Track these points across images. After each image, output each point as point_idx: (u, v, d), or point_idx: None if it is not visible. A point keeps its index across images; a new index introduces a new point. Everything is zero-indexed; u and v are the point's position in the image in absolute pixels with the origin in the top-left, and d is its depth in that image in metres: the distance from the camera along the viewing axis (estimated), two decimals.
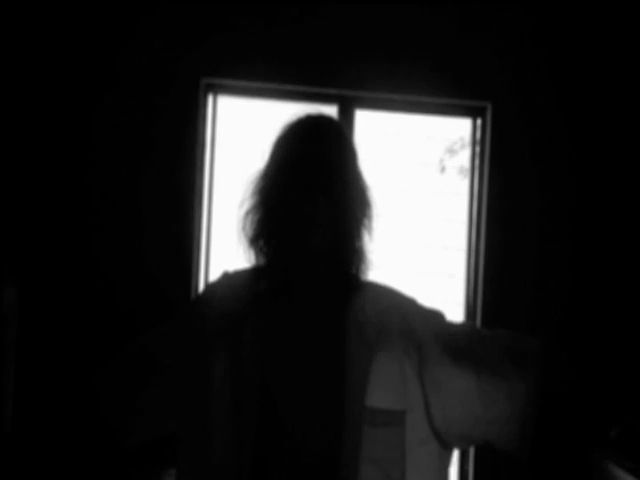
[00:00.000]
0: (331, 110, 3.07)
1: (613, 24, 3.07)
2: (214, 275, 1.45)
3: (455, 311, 3.09)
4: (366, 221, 1.35)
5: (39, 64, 2.88)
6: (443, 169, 3.36)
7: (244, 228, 1.37)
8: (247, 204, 1.37)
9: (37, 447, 2.78)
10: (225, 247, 3.10)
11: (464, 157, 3.25)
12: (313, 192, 1.28)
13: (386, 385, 1.30)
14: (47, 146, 2.88)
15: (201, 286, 2.99)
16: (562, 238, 3.04)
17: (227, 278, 1.43)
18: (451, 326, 1.38)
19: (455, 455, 2.16)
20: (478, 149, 3.14)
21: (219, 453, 1.29)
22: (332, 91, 3.03)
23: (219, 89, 3.07)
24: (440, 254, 3.27)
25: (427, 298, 1.44)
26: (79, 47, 2.89)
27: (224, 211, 3.10)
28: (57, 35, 2.88)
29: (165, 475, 2.65)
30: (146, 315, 2.60)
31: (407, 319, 1.34)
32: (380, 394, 1.29)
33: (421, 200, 3.28)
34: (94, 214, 2.89)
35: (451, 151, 3.35)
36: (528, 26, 3.05)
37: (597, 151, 3.07)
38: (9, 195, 2.77)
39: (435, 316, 1.38)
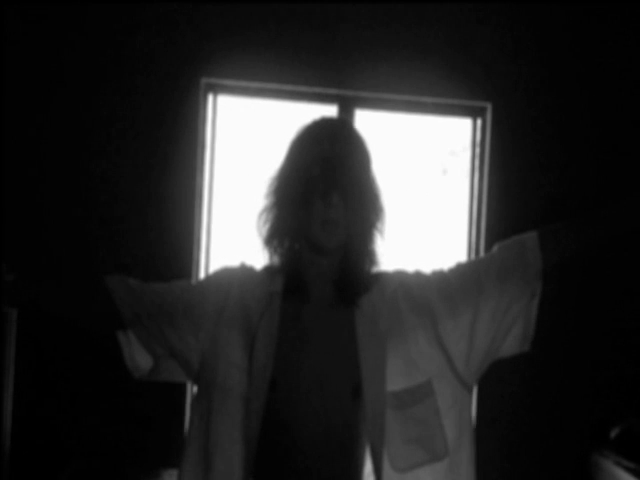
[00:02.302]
0: (331, 110, 3.07)
1: (612, 25, 3.07)
2: None
3: None
4: (379, 224, 1.38)
5: (40, 63, 2.88)
6: (445, 171, 3.36)
7: (259, 228, 1.39)
8: (262, 204, 1.39)
9: (37, 447, 2.79)
10: (225, 246, 3.10)
11: (465, 158, 3.25)
12: (328, 190, 1.30)
13: (405, 366, 1.33)
14: (48, 144, 2.88)
15: None
16: None
17: (245, 270, 1.44)
18: (450, 272, 1.41)
19: None
20: (478, 149, 3.14)
21: (226, 444, 1.31)
22: (332, 91, 3.03)
23: (219, 89, 3.07)
24: (440, 254, 3.27)
25: None
26: (79, 47, 2.90)
27: (224, 211, 3.11)
28: (57, 34, 2.89)
29: (165, 475, 2.65)
30: None
31: (412, 292, 1.38)
32: (401, 376, 1.32)
33: (421, 200, 3.28)
34: (94, 213, 2.89)
35: (453, 153, 3.35)
36: (528, 26, 3.05)
37: (597, 151, 3.07)
38: (10, 195, 2.77)
39: (435, 274, 1.41)
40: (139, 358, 1.41)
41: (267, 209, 1.38)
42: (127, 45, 2.91)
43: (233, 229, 3.13)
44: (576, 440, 2.95)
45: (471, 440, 1.36)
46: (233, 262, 1.46)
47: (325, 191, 1.30)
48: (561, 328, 3.00)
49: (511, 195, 3.03)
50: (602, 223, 1.35)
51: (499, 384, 2.86)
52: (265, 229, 1.38)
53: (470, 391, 1.38)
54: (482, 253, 3.06)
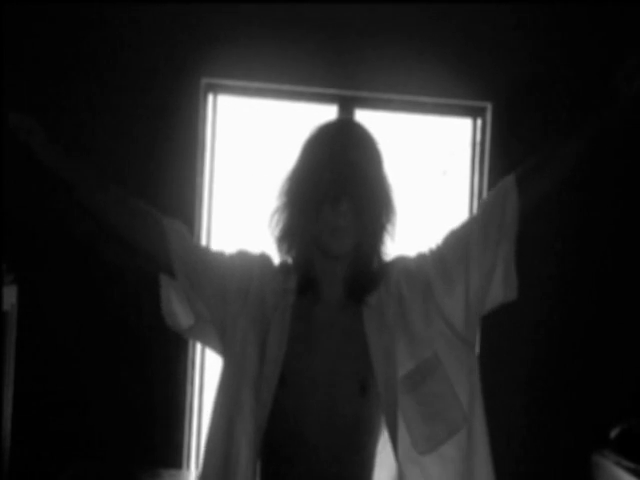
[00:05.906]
0: (331, 110, 3.07)
1: (612, 25, 3.07)
2: None
3: None
4: (389, 227, 1.40)
5: (39, 62, 2.88)
6: (445, 171, 3.36)
7: (271, 228, 1.41)
8: (274, 204, 1.40)
9: (37, 447, 2.79)
10: (225, 246, 3.10)
11: (465, 158, 3.25)
12: (337, 196, 1.30)
13: (411, 346, 1.35)
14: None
15: None
16: (560, 238, 3.03)
17: (265, 260, 1.46)
18: (443, 243, 1.44)
19: None
20: (478, 149, 3.14)
21: (237, 432, 1.32)
22: (332, 91, 3.04)
23: (219, 89, 3.07)
24: None
25: None
26: (79, 46, 2.90)
27: (224, 211, 3.10)
28: (57, 34, 2.89)
29: (165, 475, 2.65)
30: (147, 314, 2.60)
31: (412, 273, 1.41)
32: (409, 357, 1.34)
33: (421, 200, 3.28)
34: None
35: (452, 153, 3.35)
36: (528, 26, 3.05)
37: (597, 152, 3.06)
38: (9, 195, 2.77)
39: (430, 250, 1.45)
40: (177, 309, 1.41)
41: (279, 210, 1.39)
42: (127, 45, 2.91)
43: (233, 229, 3.13)
44: (576, 440, 2.95)
45: (481, 403, 1.36)
46: (253, 249, 1.48)
47: (335, 198, 1.30)
48: (561, 329, 3.01)
49: None
50: (564, 151, 1.51)
51: (499, 384, 2.86)
52: (277, 230, 1.40)
53: (472, 348, 1.39)
54: None
